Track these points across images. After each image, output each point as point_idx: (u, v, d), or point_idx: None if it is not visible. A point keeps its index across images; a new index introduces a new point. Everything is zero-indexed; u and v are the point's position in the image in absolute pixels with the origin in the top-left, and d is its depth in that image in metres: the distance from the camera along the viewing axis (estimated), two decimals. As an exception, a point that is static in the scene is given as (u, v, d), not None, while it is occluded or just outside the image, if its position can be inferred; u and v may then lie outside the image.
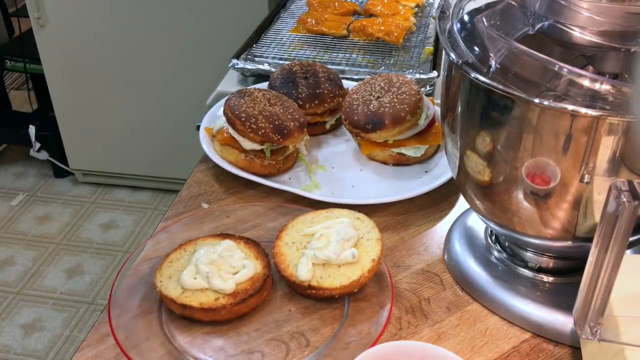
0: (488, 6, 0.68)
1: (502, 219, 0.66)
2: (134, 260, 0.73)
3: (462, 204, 0.87)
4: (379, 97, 0.94)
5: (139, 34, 2.19)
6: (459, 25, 0.65)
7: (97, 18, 2.18)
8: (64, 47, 2.25)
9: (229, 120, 0.90)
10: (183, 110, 2.25)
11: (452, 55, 0.61)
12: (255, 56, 1.21)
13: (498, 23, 0.65)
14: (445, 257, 0.78)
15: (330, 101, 1.00)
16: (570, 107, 0.53)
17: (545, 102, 0.55)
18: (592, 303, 0.56)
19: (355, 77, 1.13)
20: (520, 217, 0.64)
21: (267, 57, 1.20)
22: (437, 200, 0.88)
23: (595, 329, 0.57)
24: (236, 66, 1.17)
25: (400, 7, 1.39)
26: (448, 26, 0.65)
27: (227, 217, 0.81)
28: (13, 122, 2.64)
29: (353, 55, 1.22)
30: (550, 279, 0.71)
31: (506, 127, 0.59)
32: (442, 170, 0.91)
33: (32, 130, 2.52)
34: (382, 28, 1.25)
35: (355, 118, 0.92)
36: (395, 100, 0.91)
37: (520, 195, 0.62)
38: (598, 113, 0.53)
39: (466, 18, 0.67)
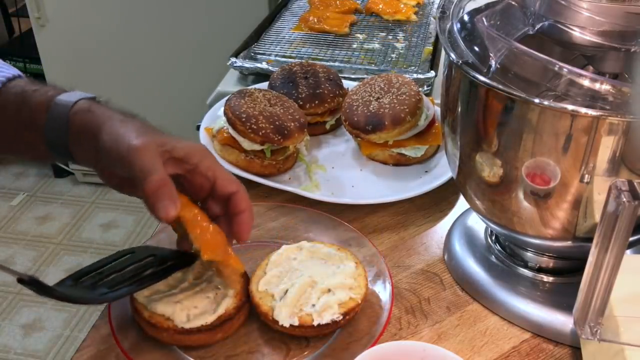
0: (488, 6, 0.68)
1: (502, 219, 0.66)
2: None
3: (462, 204, 0.87)
4: (378, 97, 0.94)
5: (139, 33, 2.19)
6: (459, 25, 0.65)
7: (97, 18, 2.18)
8: (64, 47, 2.25)
9: (229, 121, 0.90)
10: (183, 110, 2.25)
11: (452, 55, 0.61)
12: (257, 54, 1.21)
13: (498, 23, 0.65)
14: (445, 257, 0.78)
15: (330, 101, 1.00)
16: (570, 107, 0.54)
17: (545, 102, 0.55)
18: (592, 303, 0.56)
19: (356, 76, 1.14)
20: (520, 217, 0.64)
21: (269, 55, 1.21)
22: (437, 200, 0.88)
23: (595, 329, 0.57)
24: (235, 65, 1.17)
25: (402, 6, 1.40)
26: (448, 26, 0.65)
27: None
28: (13, 122, 2.64)
29: (355, 54, 1.22)
30: (550, 279, 0.71)
31: (506, 127, 0.59)
32: (442, 170, 0.91)
33: (32, 130, 2.52)
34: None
35: (355, 119, 0.92)
36: (395, 101, 0.91)
37: (520, 195, 0.62)
38: (598, 113, 0.53)
39: (466, 18, 0.67)
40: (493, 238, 0.77)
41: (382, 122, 0.90)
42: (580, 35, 0.58)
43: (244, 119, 0.88)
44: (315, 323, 0.63)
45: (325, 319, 0.64)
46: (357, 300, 0.65)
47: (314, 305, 0.64)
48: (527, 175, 0.60)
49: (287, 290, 0.66)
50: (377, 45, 1.26)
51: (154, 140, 0.60)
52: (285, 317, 0.64)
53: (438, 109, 0.95)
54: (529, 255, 0.72)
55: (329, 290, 0.66)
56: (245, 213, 0.64)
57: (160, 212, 0.57)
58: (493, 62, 0.59)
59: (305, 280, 0.66)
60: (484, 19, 0.63)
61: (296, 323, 0.63)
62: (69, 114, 0.63)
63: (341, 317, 0.64)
